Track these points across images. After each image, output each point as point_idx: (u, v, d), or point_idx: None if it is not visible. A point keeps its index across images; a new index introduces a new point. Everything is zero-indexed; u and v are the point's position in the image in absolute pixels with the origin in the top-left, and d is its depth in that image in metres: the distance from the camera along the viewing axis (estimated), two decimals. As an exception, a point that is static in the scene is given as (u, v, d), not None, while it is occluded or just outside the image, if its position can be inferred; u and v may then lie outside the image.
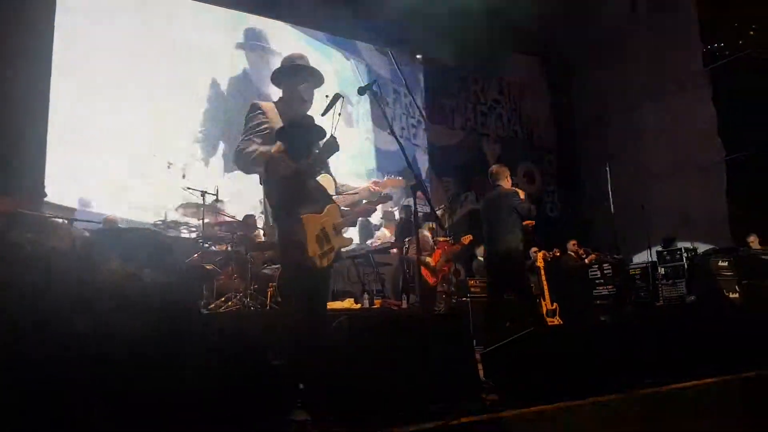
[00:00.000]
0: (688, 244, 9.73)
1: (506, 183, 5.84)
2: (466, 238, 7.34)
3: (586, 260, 9.20)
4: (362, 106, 10.44)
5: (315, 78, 3.28)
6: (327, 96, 3.11)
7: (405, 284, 6.91)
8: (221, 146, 8.73)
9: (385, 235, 8.14)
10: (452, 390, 2.76)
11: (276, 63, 3.48)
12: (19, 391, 1.84)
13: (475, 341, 3.59)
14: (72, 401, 1.90)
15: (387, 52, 10.40)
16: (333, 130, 3.07)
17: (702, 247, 9.64)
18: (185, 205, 6.56)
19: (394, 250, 7.31)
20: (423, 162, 11.30)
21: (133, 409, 1.99)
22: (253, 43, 9.50)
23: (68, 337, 1.97)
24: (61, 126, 7.39)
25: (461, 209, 11.06)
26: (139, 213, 7.58)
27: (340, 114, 3.07)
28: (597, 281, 9.04)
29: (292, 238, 2.90)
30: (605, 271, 9.06)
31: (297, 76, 3.23)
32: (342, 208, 3.20)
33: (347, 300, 5.99)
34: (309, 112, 3.26)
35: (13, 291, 2.06)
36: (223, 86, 9.05)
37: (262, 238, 6.30)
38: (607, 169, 9.50)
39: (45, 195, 6.46)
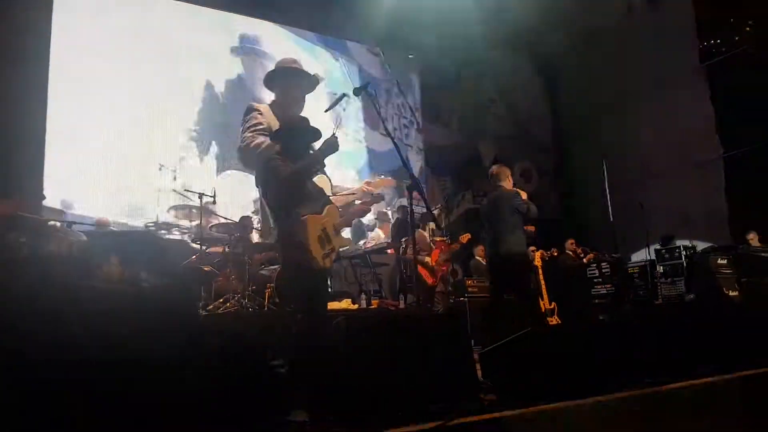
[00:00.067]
0: (686, 242, 9.69)
1: (507, 183, 5.78)
2: (465, 237, 7.32)
3: (585, 259, 9.20)
4: (353, 107, 10.41)
5: (307, 81, 3.36)
6: (334, 93, 3.22)
7: (402, 284, 6.87)
8: (214, 148, 8.71)
9: (379, 236, 8.09)
10: (450, 390, 2.77)
11: (269, 66, 3.54)
12: (18, 391, 1.84)
13: (473, 341, 3.59)
14: (72, 402, 1.91)
15: (379, 52, 10.37)
16: (335, 129, 3.12)
17: (701, 245, 9.61)
18: (177, 207, 6.56)
19: (391, 251, 7.30)
20: (416, 162, 11.28)
21: (132, 409, 1.99)
22: (248, 46, 9.50)
23: (68, 338, 1.97)
24: (58, 128, 7.38)
25: (458, 209, 11.03)
26: (131, 214, 7.59)
27: (344, 109, 3.14)
28: (595, 280, 9.01)
29: (293, 238, 2.90)
30: (603, 270, 9.03)
31: (289, 79, 3.31)
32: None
33: (344, 300, 5.94)
34: (313, 111, 3.31)
35: (11, 293, 2.05)
36: (218, 88, 9.05)
37: (258, 240, 6.29)
38: (604, 167, 9.49)
39: (44, 198, 6.45)
